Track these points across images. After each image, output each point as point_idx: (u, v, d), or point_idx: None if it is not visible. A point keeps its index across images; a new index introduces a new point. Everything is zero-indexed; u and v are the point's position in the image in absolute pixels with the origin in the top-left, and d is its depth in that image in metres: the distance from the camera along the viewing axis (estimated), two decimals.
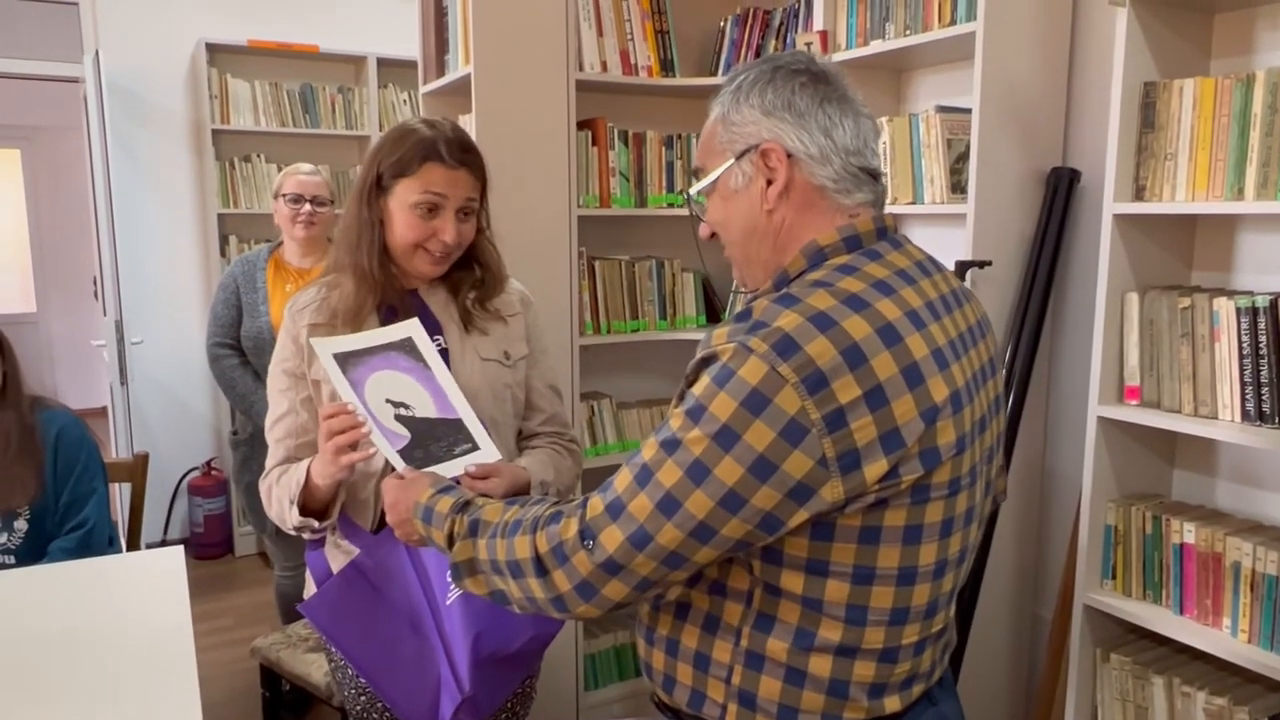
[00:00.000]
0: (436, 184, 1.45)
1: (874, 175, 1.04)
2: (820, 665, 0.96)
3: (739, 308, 2.89)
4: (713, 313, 2.90)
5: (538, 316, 1.69)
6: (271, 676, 2.43)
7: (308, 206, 2.67)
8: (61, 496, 2.09)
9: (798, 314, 0.90)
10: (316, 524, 1.47)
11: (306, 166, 2.78)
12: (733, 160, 1.03)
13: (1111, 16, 1.99)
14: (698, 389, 0.93)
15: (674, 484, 0.91)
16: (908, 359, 0.91)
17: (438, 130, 1.47)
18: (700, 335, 2.75)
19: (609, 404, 2.73)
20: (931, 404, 0.91)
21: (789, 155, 1.00)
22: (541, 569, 0.98)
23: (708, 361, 0.94)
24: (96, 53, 3.62)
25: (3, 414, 2.05)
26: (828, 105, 1.01)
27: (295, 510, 1.44)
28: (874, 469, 0.89)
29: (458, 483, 1.36)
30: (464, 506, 1.13)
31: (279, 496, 1.49)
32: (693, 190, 1.10)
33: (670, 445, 0.92)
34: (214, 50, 3.98)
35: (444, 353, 1.53)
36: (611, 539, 0.94)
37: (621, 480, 0.96)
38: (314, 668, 2.23)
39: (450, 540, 1.11)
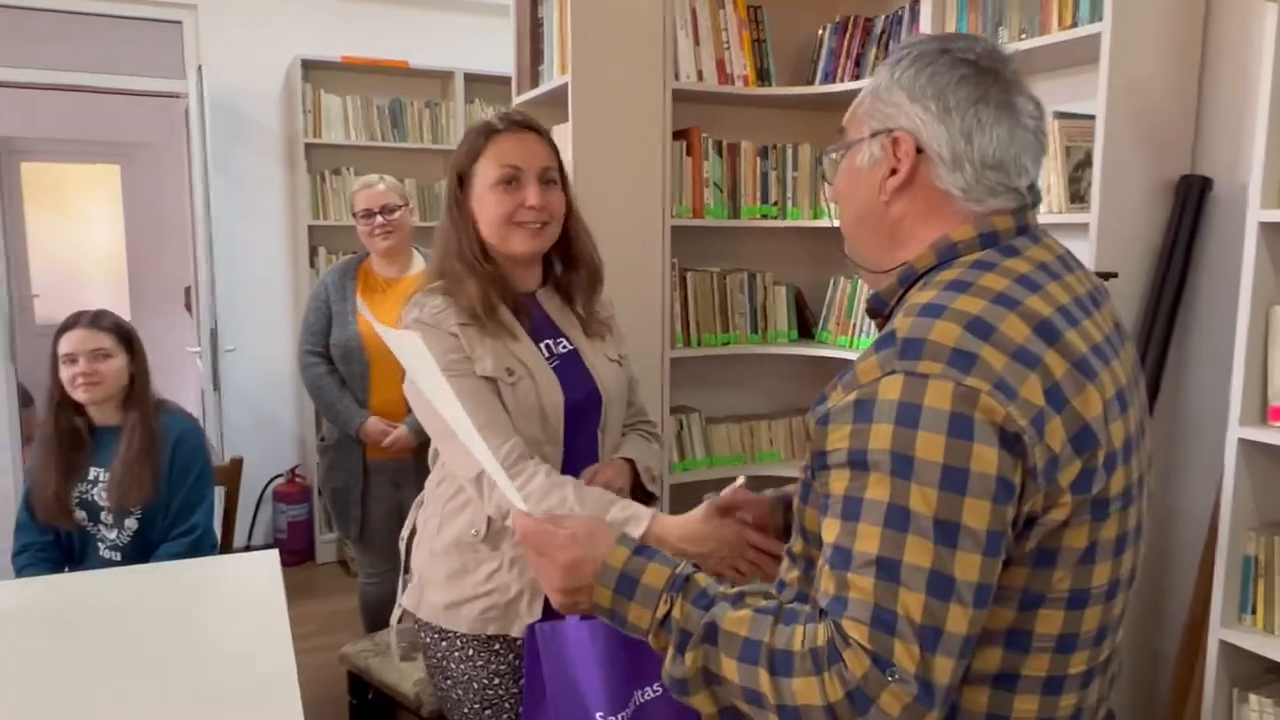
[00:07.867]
0: (509, 153, 1.47)
1: (1017, 192, 0.94)
2: (976, 699, 0.87)
3: (832, 325, 2.75)
4: (805, 327, 2.83)
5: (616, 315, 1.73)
6: (358, 683, 2.42)
7: (379, 218, 2.69)
8: (174, 501, 2.12)
9: (951, 323, 0.81)
10: None
11: (371, 177, 2.78)
12: (867, 136, 0.95)
13: (1248, 15, 1.88)
14: (877, 441, 0.79)
15: (934, 561, 0.77)
16: (1074, 354, 0.84)
17: (495, 113, 1.55)
18: (792, 350, 2.71)
19: (698, 418, 2.68)
20: (1105, 400, 0.85)
21: (919, 150, 0.92)
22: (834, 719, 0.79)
23: (864, 405, 0.81)
24: (200, 69, 3.73)
25: (130, 413, 2.10)
26: (982, 107, 0.90)
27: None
28: (1067, 474, 0.81)
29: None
30: (685, 583, 0.90)
31: (557, 501, 1.35)
32: (828, 152, 1.03)
33: (898, 519, 0.78)
34: (309, 66, 4.07)
35: (575, 354, 1.54)
36: (908, 657, 0.76)
37: (859, 588, 0.79)
38: (403, 677, 2.21)
39: (663, 626, 0.89)
